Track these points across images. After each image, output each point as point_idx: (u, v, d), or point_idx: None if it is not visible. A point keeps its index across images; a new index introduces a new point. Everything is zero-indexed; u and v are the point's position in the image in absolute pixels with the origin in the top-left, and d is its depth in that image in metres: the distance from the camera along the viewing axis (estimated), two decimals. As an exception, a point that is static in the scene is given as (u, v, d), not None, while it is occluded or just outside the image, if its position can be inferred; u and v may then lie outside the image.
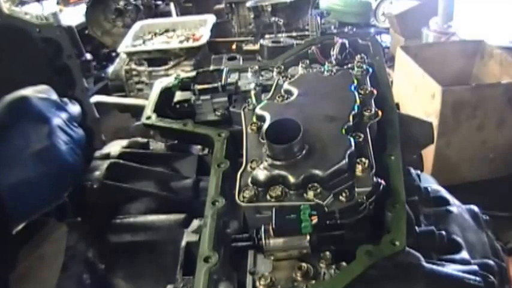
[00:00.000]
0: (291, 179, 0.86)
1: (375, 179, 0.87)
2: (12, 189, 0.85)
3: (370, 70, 1.18)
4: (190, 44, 3.58)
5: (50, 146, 0.90)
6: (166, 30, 3.91)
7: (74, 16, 4.85)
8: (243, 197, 0.87)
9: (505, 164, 3.06)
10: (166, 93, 1.31)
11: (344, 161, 0.87)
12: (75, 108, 1.04)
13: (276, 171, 0.88)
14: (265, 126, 0.98)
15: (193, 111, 1.28)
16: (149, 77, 3.52)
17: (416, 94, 3.08)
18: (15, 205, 0.85)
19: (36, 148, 0.89)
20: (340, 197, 0.84)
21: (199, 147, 1.40)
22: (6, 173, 0.85)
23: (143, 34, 3.85)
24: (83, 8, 4.78)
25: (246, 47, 3.76)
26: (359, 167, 0.87)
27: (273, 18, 3.86)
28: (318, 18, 3.65)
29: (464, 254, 1.02)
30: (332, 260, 0.82)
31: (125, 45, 3.60)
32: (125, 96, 3.60)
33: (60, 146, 0.92)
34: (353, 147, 0.90)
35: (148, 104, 1.27)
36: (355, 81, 1.11)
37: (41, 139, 0.90)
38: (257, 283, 0.81)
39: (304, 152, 0.90)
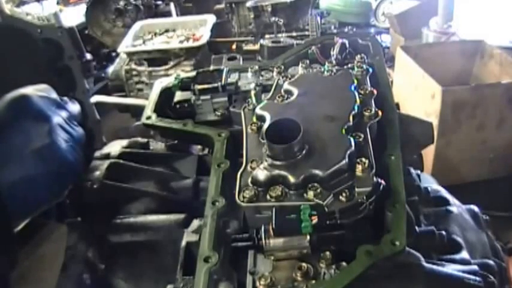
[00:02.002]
0: (291, 179, 0.86)
1: (375, 179, 0.87)
2: (12, 187, 0.85)
3: (370, 70, 1.18)
4: (190, 44, 3.58)
5: (50, 144, 0.90)
6: (166, 30, 3.90)
7: (74, 16, 4.85)
8: (243, 197, 0.87)
9: (505, 164, 3.06)
10: (166, 93, 1.31)
11: (344, 161, 0.87)
12: (75, 107, 1.04)
13: (276, 171, 0.88)
14: (265, 126, 0.98)
15: (193, 111, 1.28)
16: (149, 77, 3.52)
17: (416, 94, 3.08)
18: (16, 203, 0.85)
19: (36, 146, 0.89)
20: (340, 197, 0.84)
21: (199, 147, 1.40)
22: (6, 170, 0.85)
23: (143, 34, 3.85)
24: (83, 8, 4.78)
25: (246, 47, 3.75)
26: (359, 167, 0.87)
27: (273, 18, 3.85)
28: (318, 18, 3.64)
29: (464, 254, 1.02)
30: (332, 260, 0.82)
31: (125, 45, 3.59)
32: (125, 96, 3.60)
33: (60, 144, 0.92)
34: (353, 147, 0.90)
35: (148, 104, 1.27)
36: (355, 81, 1.11)
37: (41, 137, 0.90)
38: (257, 283, 0.81)
39: (304, 152, 0.90)
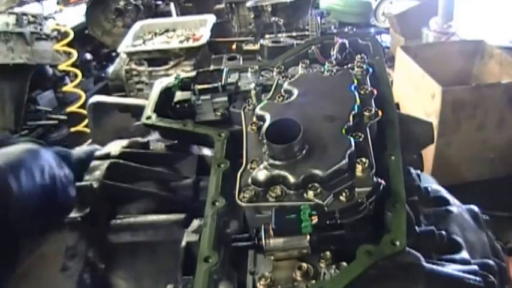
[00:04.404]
0: (291, 179, 0.86)
1: (375, 179, 0.87)
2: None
3: (370, 70, 1.18)
4: (190, 44, 3.59)
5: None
6: (167, 30, 3.91)
7: (74, 16, 4.85)
8: (243, 197, 0.87)
9: (505, 163, 3.06)
10: (167, 93, 1.31)
11: (344, 161, 0.87)
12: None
13: (276, 171, 0.88)
14: (266, 126, 0.98)
15: (193, 111, 1.28)
16: (149, 77, 3.52)
17: (416, 94, 3.08)
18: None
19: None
20: (340, 197, 0.84)
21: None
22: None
23: (143, 34, 3.85)
24: (83, 8, 4.78)
25: (246, 47, 3.75)
26: (359, 167, 0.87)
27: (273, 18, 3.86)
28: (318, 18, 3.64)
29: (464, 254, 1.02)
30: (332, 260, 0.82)
31: (125, 45, 3.60)
32: (125, 96, 3.60)
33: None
34: (353, 147, 0.90)
35: (149, 104, 1.27)
36: (355, 81, 1.11)
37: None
38: (257, 283, 0.81)
39: (304, 152, 0.90)
